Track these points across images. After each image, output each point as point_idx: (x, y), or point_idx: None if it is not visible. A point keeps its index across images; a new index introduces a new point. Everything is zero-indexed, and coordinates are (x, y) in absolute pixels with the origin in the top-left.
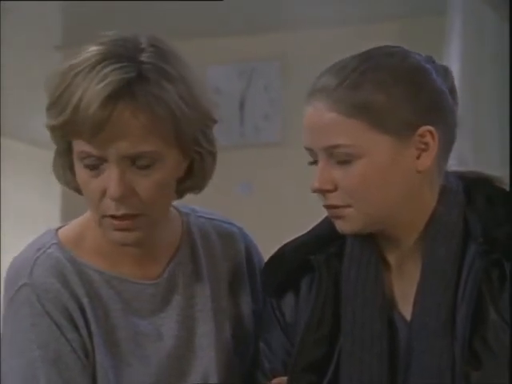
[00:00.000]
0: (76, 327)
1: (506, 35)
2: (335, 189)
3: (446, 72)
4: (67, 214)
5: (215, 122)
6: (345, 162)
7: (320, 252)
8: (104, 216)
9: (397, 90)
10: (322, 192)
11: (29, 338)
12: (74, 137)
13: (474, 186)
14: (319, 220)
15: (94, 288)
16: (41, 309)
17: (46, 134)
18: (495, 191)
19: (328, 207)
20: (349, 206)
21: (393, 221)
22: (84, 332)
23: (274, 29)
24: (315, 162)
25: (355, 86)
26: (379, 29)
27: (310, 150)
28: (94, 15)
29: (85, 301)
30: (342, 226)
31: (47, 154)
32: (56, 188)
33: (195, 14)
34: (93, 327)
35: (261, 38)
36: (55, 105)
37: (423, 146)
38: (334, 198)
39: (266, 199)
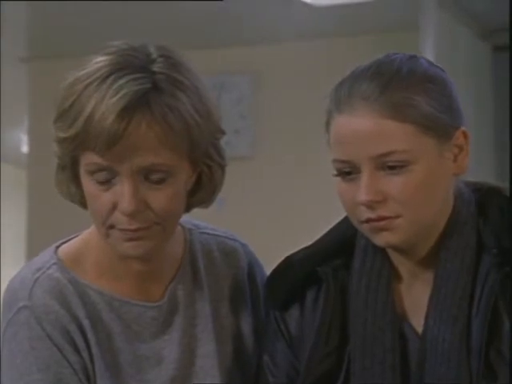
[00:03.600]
0: (77, 350)
1: (479, 51)
2: (384, 199)
3: None
4: (33, 233)
5: (223, 133)
6: (395, 170)
7: (326, 264)
8: (112, 227)
9: (435, 93)
10: (371, 204)
11: (28, 361)
12: (85, 150)
13: (486, 197)
14: (292, 232)
15: (96, 310)
16: (41, 331)
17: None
18: (507, 202)
19: (374, 220)
20: (398, 215)
21: (430, 228)
22: (85, 354)
23: (245, 42)
24: (343, 174)
25: (399, 89)
26: (353, 43)
27: (347, 162)
28: (60, 27)
29: (86, 323)
30: (387, 238)
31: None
32: (22, 207)
33: (166, 27)
34: (94, 350)
35: (231, 52)
36: (64, 117)
37: (457, 148)
38: (383, 209)
39: (238, 213)
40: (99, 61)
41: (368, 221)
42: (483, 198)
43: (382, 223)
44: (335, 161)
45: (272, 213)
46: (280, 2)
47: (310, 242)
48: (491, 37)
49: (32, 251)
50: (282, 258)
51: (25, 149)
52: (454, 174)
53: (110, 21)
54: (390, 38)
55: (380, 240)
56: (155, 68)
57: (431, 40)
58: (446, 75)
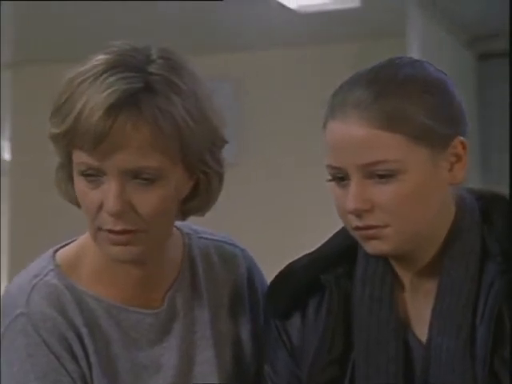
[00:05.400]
0: (75, 358)
1: (463, 59)
2: (372, 208)
3: None
4: (15, 242)
5: (224, 141)
6: (384, 179)
7: (328, 272)
8: (100, 229)
9: (431, 101)
10: (359, 212)
11: (25, 369)
12: (74, 147)
13: (490, 205)
14: (280, 238)
15: (94, 317)
16: (38, 339)
17: None
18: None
19: (362, 228)
20: (387, 225)
21: (423, 238)
22: (83, 363)
23: (228, 49)
24: (337, 180)
25: (391, 98)
26: (337, 50)
27: (337, 169)
28: (44, 32)
29: (83, 330)
30: (377, 247)
31: None
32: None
33: (150, 34)
34: (92, 358)
35: (215, 59)
36: (58, 113)
37: (455, 158)
38: (371, 219)
39: (223, 221)
40: (97, 59)
41: (357, 229)
42: (487, 206)
43: (370, 232)
44: (328, 166)
45: (259, 219)
46: (265, 9)
47: (297, 247)
48: (475, 45)
49: (14, 261)
50: (269, 264)
51: (6, 156)
52: (450, 183)
53: (95, 28)
54: (375, 45)
55: (370, 248)
56: (152, 69)
57: (416, 47)
58: (448, 82)
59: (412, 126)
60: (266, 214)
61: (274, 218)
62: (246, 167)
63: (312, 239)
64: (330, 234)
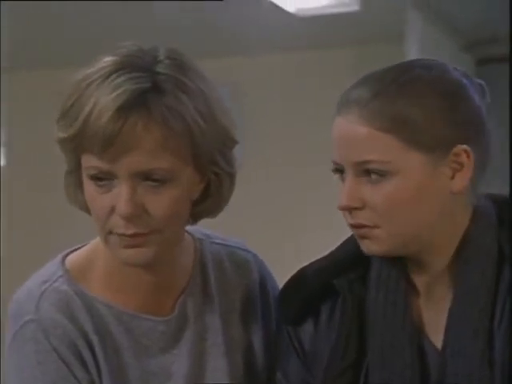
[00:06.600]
0: (85, 365)
1: (462, 63)
2: (363, 207)
3: (482, 89)
4: (10, 250)
5: (235, 142)
6: (375, 179)
7: (341, 277)
8: (111, 233)
9: (434, 105)
10: (349, 209)
11: (34, 377)
12: (83, 151)
13: (506, 209)
14: (284, 239)
15: (104, 324)
16: (48, 346)
17: None
18: None
19: (354, 226)
20: (376, 226)
21: (423, 243)
22: (93, 370)
23: (226, 53)
24: (339, 174)
25: (391, 99)
26: (336, 53)
27: (338, 164)
28: (42, 38)
29: (94, 338)
30: (369, 247)
31: None
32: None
33: (147, 39)
34: (102, 365)
35: (213, 63)
36: (66, 116)
37: (458, 166)
38: (361, 217)
39: (223, 222)
40: (105, 61)
41: (350, 226)
42: (503, 209)
43: (361, 231)
44: (332, 161)
45: (259, 219)
46: (262, 13)
47: (297, 247)
48: (474, 49)
49: (9, 270)
50: (270, 264)
51: (1, 162)
52: (451, 192)
53: (91, 33)
54: (374, 49)
55: (363, 247)
56: (159, 69)
57: (415, 52)
58: (466, 88)
59: (406, 128)
60: (265, 214)
61: (274, 218)
62: (246, 169)
63: (312, 239)
64: (330, 234)
